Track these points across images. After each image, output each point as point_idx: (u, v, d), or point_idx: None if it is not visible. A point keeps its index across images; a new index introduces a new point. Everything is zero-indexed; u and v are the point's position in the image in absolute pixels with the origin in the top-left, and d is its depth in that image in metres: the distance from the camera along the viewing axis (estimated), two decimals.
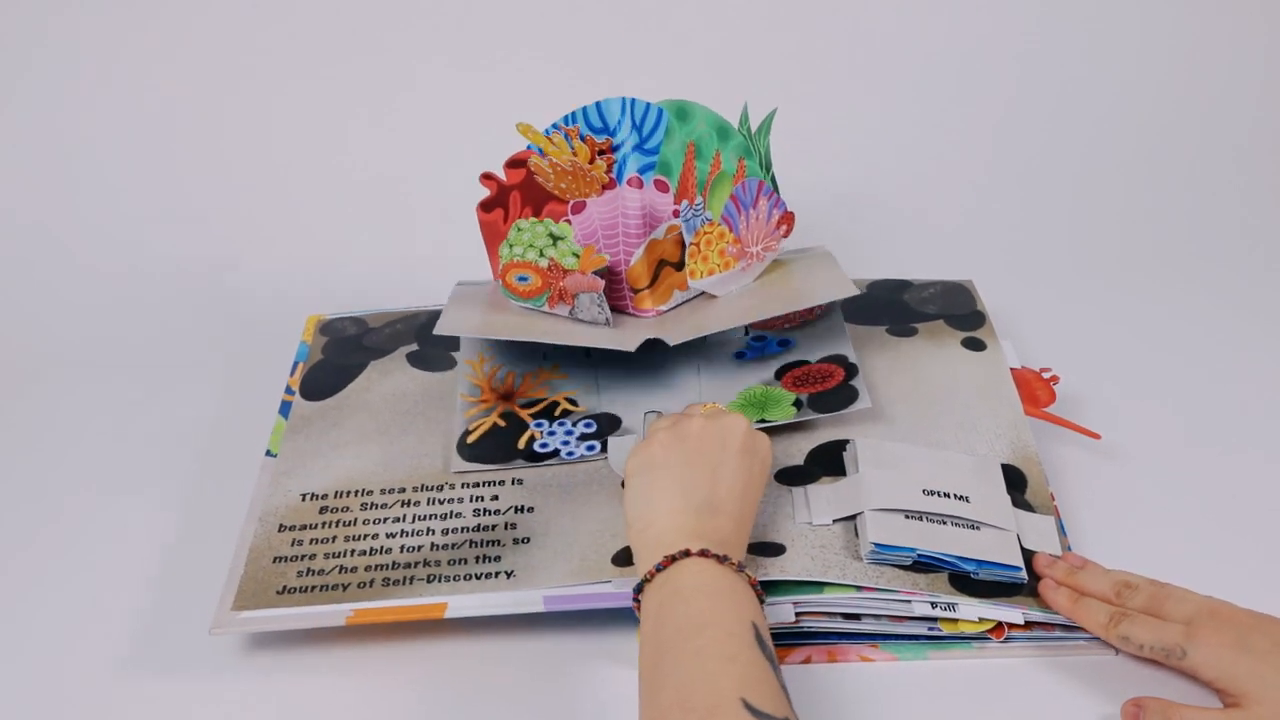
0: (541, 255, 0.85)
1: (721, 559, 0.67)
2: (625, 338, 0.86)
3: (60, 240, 1.15)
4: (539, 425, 0.87)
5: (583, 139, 0.86)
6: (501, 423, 0.87)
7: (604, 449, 0.85)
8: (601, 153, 0.87)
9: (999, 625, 0.74)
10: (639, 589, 0.68)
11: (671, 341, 0.85)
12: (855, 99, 1.24)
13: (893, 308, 0.98)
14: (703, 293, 0.91)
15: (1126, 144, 1.23)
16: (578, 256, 0.85)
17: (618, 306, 0.90)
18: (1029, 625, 0.74)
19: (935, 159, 1.22)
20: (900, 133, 1.23)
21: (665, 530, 0.69)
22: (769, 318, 0.88)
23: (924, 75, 1.24)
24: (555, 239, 0.85)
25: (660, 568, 0.67)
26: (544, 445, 0.85)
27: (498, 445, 0.85)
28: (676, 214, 0.87)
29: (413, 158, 1.19)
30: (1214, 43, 1.26)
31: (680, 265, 0.89)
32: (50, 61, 1.19)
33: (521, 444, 0.85)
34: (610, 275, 0.87)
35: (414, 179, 1.18)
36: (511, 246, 0.86)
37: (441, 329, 0.87)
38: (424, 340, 0.97)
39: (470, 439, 0.86)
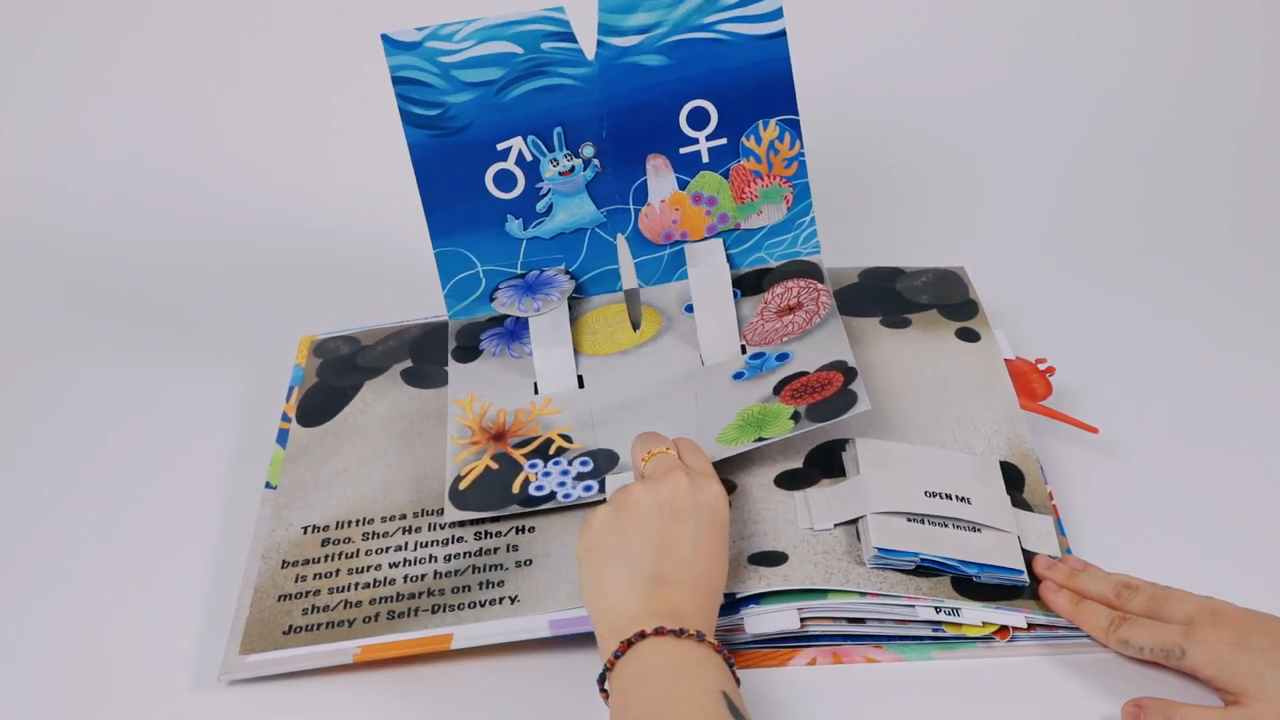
0: None
1: (679, 633, 0.66)
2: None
3: (45, 257, 1.15)
4: (533, 466, 0.84)
5: None
6: (494, 465, 0.85)
7: (602, 489, 0.82)
8: None
9: (1004, 627, 0.74)
10: (602, 679, 0.67)
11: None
12: (846, 85, 1.22)
13: (886, 298, 0.97)
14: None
15: (1124, 130, 1.22)
16: None
17: None
18: (1032, 627, 0.75)
19: (926, 142, 1.21)
20: (890, 115, 1.22)
21: (617, 619, 0.67)
22: None
23: (917, 61, 1.23)
24: None
25: (618, 654, 0.66)
26: (539, 488, 0.83)
27: (491, 490, 0.83)
28: None
29: (397, 164, 1.19)
30: (1212, 32, 1.24)
31: None
32: (50, 67, 1.19)
33: (516, 488, 0.83)
34: None
35: (402, 184, 1.18)
36: None
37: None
38: (417, 356, 0.96)
39: (462, 485, 0.84)
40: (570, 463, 0.85)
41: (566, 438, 0.87)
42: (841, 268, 1.01)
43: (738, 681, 0.66)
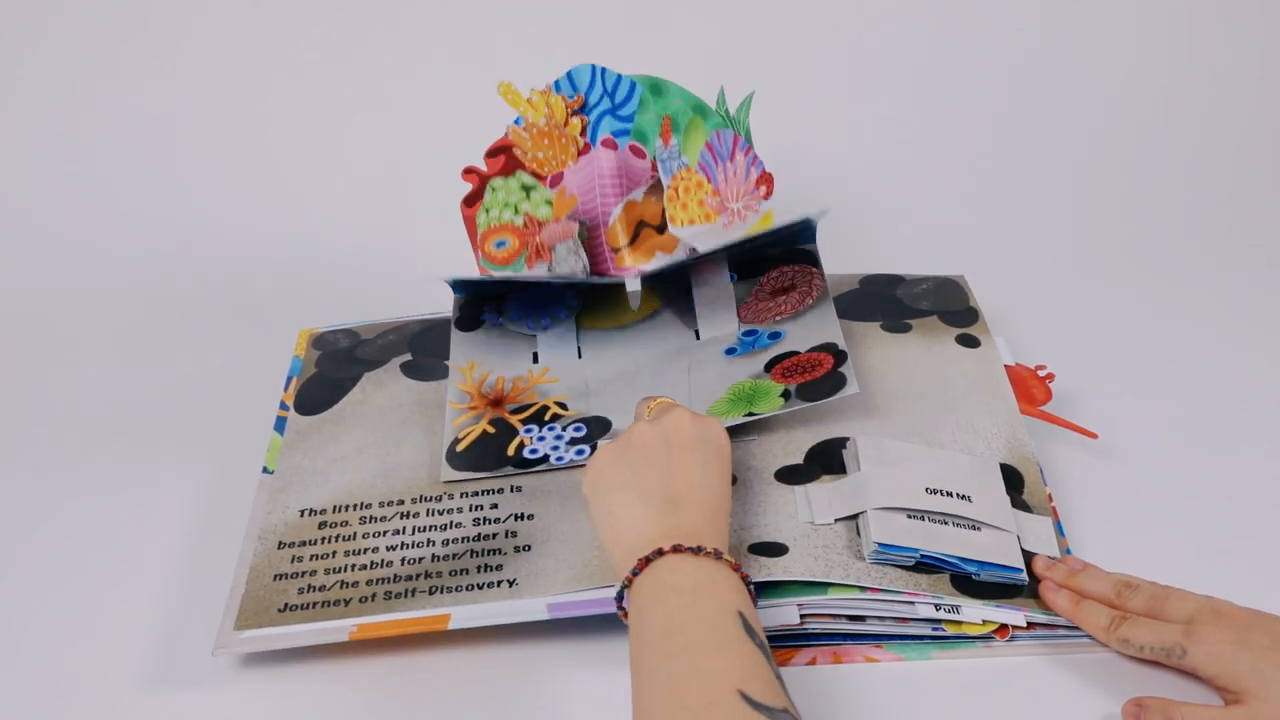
0: (516, 211, 0.84)
1: (696, 550, 0.66)
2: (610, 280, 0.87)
3: (47, 249, 1.15)
4: (528, 431, 0.86)
5: (558, 95, 0.85)
6: (491, 429, 0.86)
7: (594, 453, 0.84)
8: (575, 111, 0.86)
9: (1003, 626, 0.74)
10: (620, 597, 0.68)
11: (648, 269, 0.85)
12: (848, 92, 1.23)
13: (886, 304, 0.98)
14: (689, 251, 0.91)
15: (1123, 137, 1.23)
16: (551, 205, 0.83)
17: (599, 270, 0.89)
18: (1031, 626, 0.74)
19: (927, 153, 1.22)
20: (892, 126, 1.23)
21: (634, 540, 0.68)
22: (743, 238, 0.87)
23: (919, 68, 1.24)
24: (528, 190, 0.84)
25: (636, 572, 0.66)
26: (533, 451, 0.85)
27: (486, 452, 0.85)
28: (654, 164, 0.87)
29: (400, 160, 1.19)
30: (1214, 36, 1.26)
31: (662, 228, 0.89)
32: (43, 72, 1.19)
33: (511, 451, 0.85)
34: (590, 237, 0.86)
35: (402, 182, 1.18)
36: (488, 210, 0.85)
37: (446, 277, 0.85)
38: (417, 350, 0.97)
39: (459, 447, 0.85)
40: (564, 428, 0.86)
41: (562, 405, 0.88)
42: (842, 274, 1.01)
43: (755, 600, 0.66)
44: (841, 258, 1.03)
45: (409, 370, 0.95)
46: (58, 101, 1.20)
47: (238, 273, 1.13)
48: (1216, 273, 1.09)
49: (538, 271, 0.87)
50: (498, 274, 0.89)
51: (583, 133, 0.86)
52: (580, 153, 0.86)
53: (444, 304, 0.99)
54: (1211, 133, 1.23)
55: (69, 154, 1.19)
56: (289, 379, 0.95)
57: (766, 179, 0.89)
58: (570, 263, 0.86)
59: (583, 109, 0.87)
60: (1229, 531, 0.82)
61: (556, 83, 0.89)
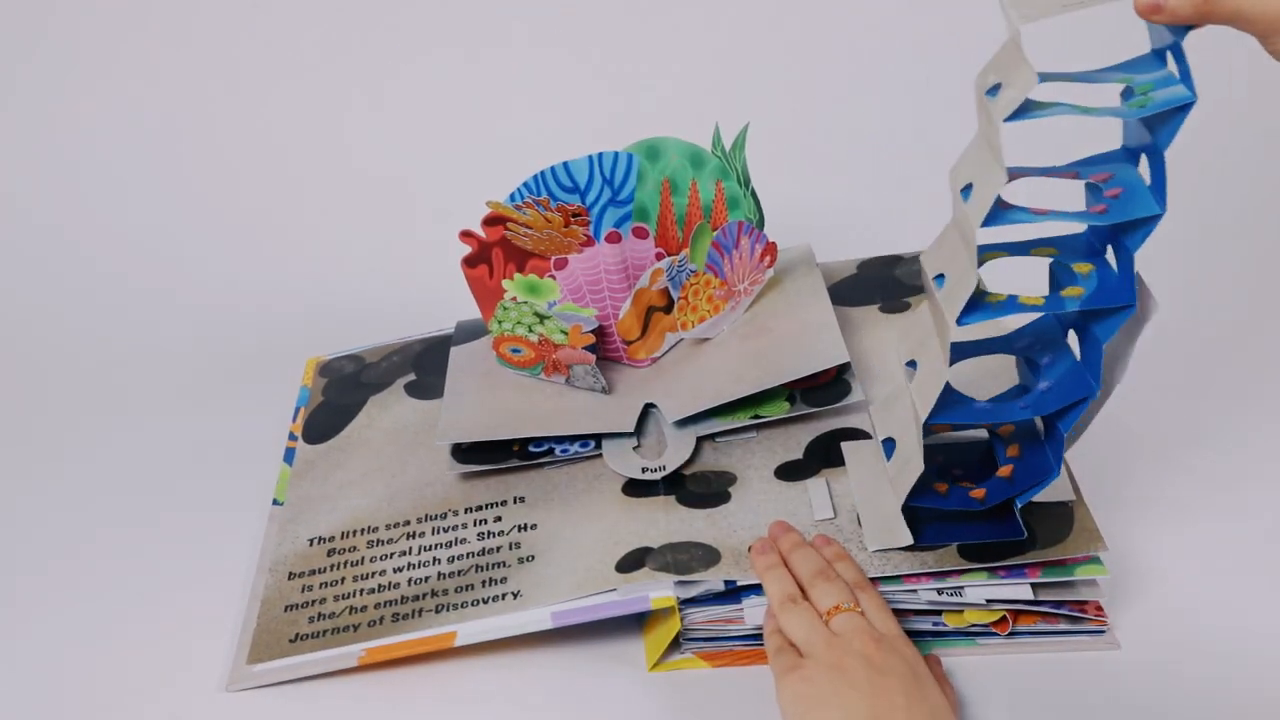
0: (530, 331, 0.86)
1: None
2: (623, 410, 0.86)
3: (53, 281, 1.16)
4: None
5: (554, 207, 0.86)
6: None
7: (598, 446, 0.85)
8: (575, 215, 0.87)
9: (1003, 619, 0.73)
10: None
11: (671, 417, 0.85)
12: (848, 85, 1.22)
13: (884, 284, 0.97)
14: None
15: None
16: (565, 333, 0.85)
17: (611, 357, 0.90)
18: (1034, 619, 0.73)
19: (928, 138, 1.20)
20: (893, 118, 1.22)
21: None
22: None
23: (918, 59, 1.22)
24: (542, 318, 0.85)
25: None
26: (538, 445, 0.86)
27: (492, 445, 0.86)
28: (660, 257, 0.88)
29: (402, 175, 1.20)
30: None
31: (669, 308, 0.89)
32: (47, 82, 1.20)
33: (516, 445, 0.86)
34: (600, 330, 0.87)
35: (403, 196, 1.19)
36: (500, 323, 0.86)
37: (443, 436, 0.85)
38: (421, 369, 0.98)
39: (464, 445, 0.86)
40: None
41: None
42: (840, 260, 1.01)
43: None
44: (840, 244, 1.02)
45: (413, 390, 0.96)
46: (56, 119, 1.21)
47: (241, 302, 1.13)
48: (1214, 243, 1.08)
49: (555, 380, 0.89)
50: (513, 373, 0.90)
51: (585, 232, 0.88)
52: (584, 245, 0.88)
53: (447, 322, 1.00)
54: (1213, 105, 1.20)
55: (69, 192, 1.19)
56: (296, 409, 0.97)
57: (769, 250, 0.89)
58: (589, 381, 0.87)
59: (584, 212, 0.88)
60: (1226, 503, 0.83)
61: (553, 170, 0.89)
